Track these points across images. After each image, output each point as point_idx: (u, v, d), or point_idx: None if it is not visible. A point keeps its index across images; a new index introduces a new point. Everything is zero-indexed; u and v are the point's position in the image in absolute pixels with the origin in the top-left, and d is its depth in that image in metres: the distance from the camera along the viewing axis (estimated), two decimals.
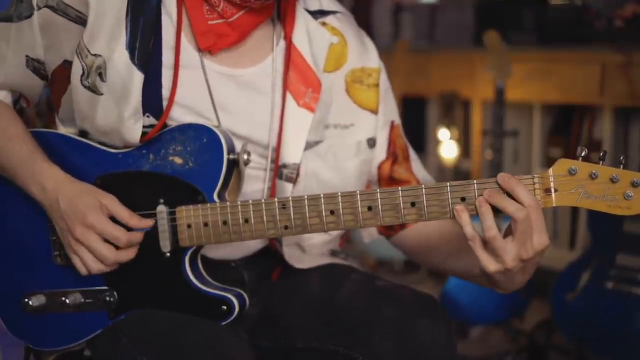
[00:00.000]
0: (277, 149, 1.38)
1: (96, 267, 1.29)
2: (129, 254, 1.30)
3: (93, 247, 1.27)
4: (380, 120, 1.48)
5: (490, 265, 1.17)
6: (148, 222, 1.30)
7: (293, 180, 1.38)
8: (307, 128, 1.38)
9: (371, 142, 1.47)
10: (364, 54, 1.47)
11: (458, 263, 1.37)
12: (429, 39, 3.98)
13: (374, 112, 1.47)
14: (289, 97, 1.38)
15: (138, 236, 1.29)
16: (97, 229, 1.27)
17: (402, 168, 1.51)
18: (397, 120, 1.53)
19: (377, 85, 1.47)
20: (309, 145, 1.40)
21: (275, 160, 1.39)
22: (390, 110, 1.51)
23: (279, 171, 1.39)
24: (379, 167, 1.49)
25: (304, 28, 1.40)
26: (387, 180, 1.50)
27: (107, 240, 1.28)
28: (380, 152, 1.49)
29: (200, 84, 1.34)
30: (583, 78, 3.01)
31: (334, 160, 1.43)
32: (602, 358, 2.46)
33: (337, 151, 1.43)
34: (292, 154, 1.38)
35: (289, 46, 1.39)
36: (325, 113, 1.42)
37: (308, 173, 1.40)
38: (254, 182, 1.39)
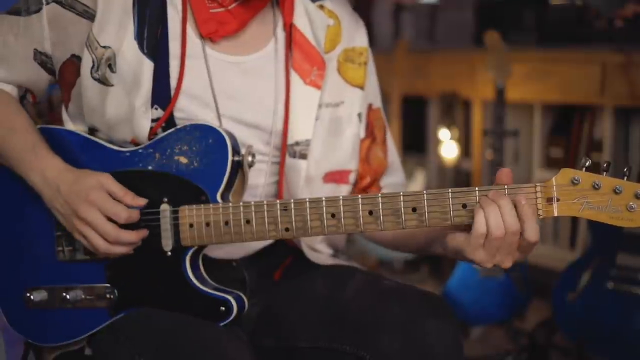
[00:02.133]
0: (285, 128, 1.40)
1: (102, 244, 1.30)
2: (130, 236, 1.31)
3: (95, 223, 1.29)
4: (364, 98, 1.51)
5: (485, 261, 1.18)
6: (141, 201, 1.32)
7: (306, 157, 1.40)
8: (316, 105, 1.41)
9: (361, 117, 1.50)
10: (355, 34, 1.51)
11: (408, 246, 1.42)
12: (429, 39, 3.98)
13: (362, 88, 1.50)
14: (295, 76, 1.40)
15: (136, 214, 1.32)
16: (98, 205, 1.29)
17: (379, 149, 1.54)
18: (377, 104, 1.56)
19: (366, 63, 1.51)
20: None
21: (283, 139, 1.40)
22: (370, 93, 1.53)
23: (291, 150, 1.40)
24: (360, 144, 1.51)
25: (303, 10, 1.43)
26: (362, 160, 1.51)
27: (110, 219, 1.30)
28: (361, 130, 1.51)
29: (205, 73, 1.36)
30: (583, 78, 3.01)
31: (329, 137, 1.44)
32: (602, 358, 2.46)
33: (331, 128, 1.45)
34: (302, 130, 1.40)
35: (291, 28, 1.41)
36: (323, 93, 1.44)
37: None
38: (263, 175, 1.41)
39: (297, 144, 1.40)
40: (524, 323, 2.91)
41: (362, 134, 1.51)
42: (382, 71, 1.59)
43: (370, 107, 1.54)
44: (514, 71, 2.86)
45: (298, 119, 1.40)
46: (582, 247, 3.16)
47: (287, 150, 1.40)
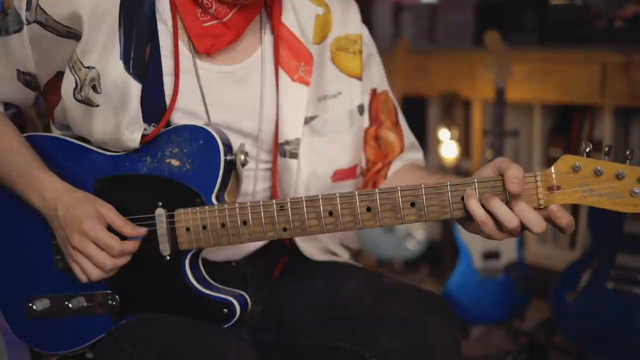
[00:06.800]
0: (276, 128, 1.38)
1: (95, 273, 1.29)
2: (125, 260, 1.30)
3: (90, 254, 1.28)
4: (363, 87, 1.48)
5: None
6: (141, 231, 1.30)
7: (297, 156, 1.38)
8: (304, 102, 1.39)
9: (361, 109, 1.48)
10: (347, 20, 1.48)
11: None
12: (429, 39, 3.98)
13: (359, 78, 1.47)
14: (282, 74, 1.38)
15: (131, 245, 1.29)
16: (91, 237, 1.27)
17: (390, 133, 1.52)
18: (382, 87, 1.53)
19: (361, 51, 1.48)
20: (305, 121, 1.40)
21: (275, 138, 1.38)
22: (371, 77, 1.51)
23: (282, 149, 1.38)
24: (365, 133, 1.50)
25: (289, 4, 1.40)
26: (371, 147, 1.50)
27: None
28: (365, 120, 1.50)
29: (196, 87, 1.34)
30: (583, 78, 3.01)
31: (331, 134, 1.43)
32: (602, 358, 2.46)
33: (332, 124, 1.43)
34: (292, 129, 1.38)
35: (277, 24, 1.38)
36: (318, 86, 1.42)
37: (306, 151, 1.40)
38: (252, 181, 1.40)
39: (287, 143, 1.38)
40: (524, 323, 2.91)
41: (366, 123, 1.50)
42: None
43: (374, 92, 1.51)
44: (514, 71, 2.86)
45: (287, 118, 1.38)
46: (582, 247, 3.16)
47: (278, 149, 1.38)
